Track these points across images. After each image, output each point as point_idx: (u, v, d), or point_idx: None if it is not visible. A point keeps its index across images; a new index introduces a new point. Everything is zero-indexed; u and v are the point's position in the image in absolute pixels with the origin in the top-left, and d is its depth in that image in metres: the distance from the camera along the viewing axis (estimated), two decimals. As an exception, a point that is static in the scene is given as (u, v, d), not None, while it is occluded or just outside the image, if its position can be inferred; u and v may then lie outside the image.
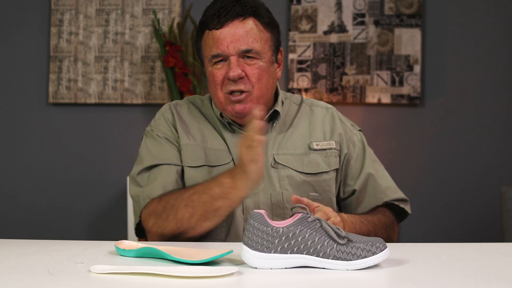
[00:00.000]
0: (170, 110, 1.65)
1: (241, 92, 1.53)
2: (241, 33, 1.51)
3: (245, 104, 1.53)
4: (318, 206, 1.39)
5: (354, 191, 1.64)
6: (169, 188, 1.53)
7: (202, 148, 1.58)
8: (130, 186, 1.60)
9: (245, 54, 1.52)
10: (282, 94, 1.67)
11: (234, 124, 1.59)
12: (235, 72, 1.50)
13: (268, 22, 1.56)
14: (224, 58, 1.52)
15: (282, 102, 1.66)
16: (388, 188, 1.66)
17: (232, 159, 1.57)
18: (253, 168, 1.33)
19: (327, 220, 1.34)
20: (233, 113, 1.55)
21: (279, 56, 1.61)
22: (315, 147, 1.60)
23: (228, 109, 1.55)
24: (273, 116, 1.61)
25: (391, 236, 1.61)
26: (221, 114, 1.60)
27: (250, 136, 1.32)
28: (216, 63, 1.53)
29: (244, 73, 1.51)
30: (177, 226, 1.45)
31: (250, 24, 1.52)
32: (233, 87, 1.52)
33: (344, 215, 1.48)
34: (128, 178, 1.61)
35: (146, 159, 1.60)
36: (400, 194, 1.67)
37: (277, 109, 1.60)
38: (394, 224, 1.65)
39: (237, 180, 1.38)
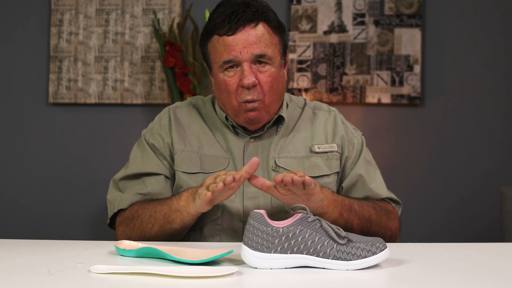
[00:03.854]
0: (168, 115, 1.65)
1: (254, 100, 1.53)
2: (253, 39, 1.50)
3: (259, 112, 1.54)
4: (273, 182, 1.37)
5: (342, 188, 1.63)
6: (147, 198, 1.56)
7: (198, 155, 1.58)
8: (110, 189, 1.64)
9: (258, 59, 1.51)
10: (286, 96, 1.67)
11: (238, 128, 1.59)
12: (249, 80, 1.50)
13: (277, 26, 1.56)
14: (236, 64, 1.52)
15: (287, 105, 1.66)
16: (378, 188, 1.64)
17: (230, 164, 1.57)
18: (203, 193, 1.35)
19: (296, 176, 1.33)
20: (247, 120, 1.55)
21: (286, 58, 1.62)
22: (317, 150, 1.60)
23: (242, 116, 1.55)
24: (277, 120, 1.61)
25: (383, 221, 1.56)
26: (226, 117, 1.59)
27: (230, 175, 1.33)
28: (227, 69, 1.52)
29: (257, 81, 1.51)
30: (141, 235, 1.50)
31: (261, 29, 1.52)
32: (247, 97, 1.51)
33: (329, 192, 1.47)
34: (110, 181, 1.64)
35: (131, 166, 1.63)
36: (390, 195, 1.66)
37: (282, 114, 1.60)
38: (389, 212, 1.61)
39: (189, 196, 1.43)
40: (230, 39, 1.50)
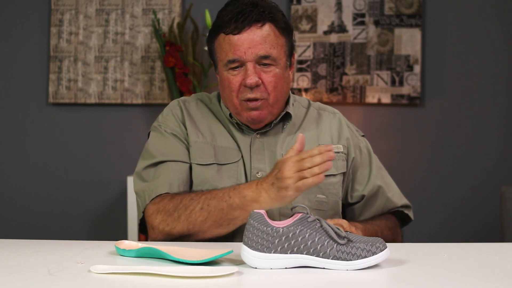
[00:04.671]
0: (179, 106, 1.64)
1: (257, 99, 1.53)
2: (258, 39, 1.50)
3: (261, 111, 1.53)
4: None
5: (362, 197, 1.65)
6: (175, 185, 1.51)
7: (212, 146, 1.57)
8: (135, 182, 1.57)
9: (262, 61, 1.51)
10: (291, 96, 1.68)
11: (243, 125, 1.59)
12: (252, 80, 1.49)
13: (284, 27, 1.55)
14: (241, 64, 1.52)
15: (292, 104, 1.66)
16: (394, 195, 1.69)
17: (242, 158, 1.57)
18: (293, 185, 1.30)
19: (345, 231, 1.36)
20: (249, 119, 1.54)
21: (292, 60, 1.62)
22: None
23: (244, 115, 1.54)
24: (284, 118, 1.62)
25: (395, 238, 1.63)
26: (230, 115, 1.60)
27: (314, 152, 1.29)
28: (232, 68, 1.52)
29: (260, 81, 1.51)
30: (188, 227, 1.44)
31: (267, 30, 1.51)
32: (249, 95, 1.51)
33: (359, 225, 1.51)
34: (133, 175, 1.59)
35: (152, 154, 1.58)
36: (404, 201, 1.70)
37: (289, 111, 1.61)
38: (397, 227, 1.68)
39: (261, 194, 1.36)
40: (235, 38, 1.50)
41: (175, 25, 2.95)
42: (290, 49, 1.59)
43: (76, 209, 3.04)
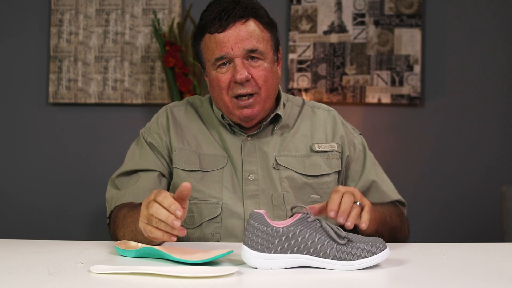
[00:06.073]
0: (166, 114, 1.66)
1: (249, 95, 1.53)
2: (244, 35, 1.51)
3: (253, 108, 1.54)
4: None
5: None
6: (140, 194, 1.53)
7: (196, 154, 1.59)
8: (108, 188, 1.62)
9: (250, 55, 1.52)
10: (283, 96, 1.68)
11: (235, 126, 1.60)
12: (242, 74, 1.50)
13: (268, 22, 1.57)
14: (229, 61, 1.52)
15: (284, 105, 1.66)
16: (390, 190, 1.68)
17: (231, 162, 1.57)
18: (147, 229, 1.21)
19: (355, 201, 1.29)
20: (241, 117, 1.55)
21: (279, 55, 1.62)
22: (317, 149, 1.61)
23: (236, 113, 1.55)
24: (274, 119, 1.62)
25: (403, 226, 1.61)
26: (222, 116, 1.60)
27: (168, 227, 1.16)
28: (220, 66, 1.53)
29: (250, 76, 1.52)
30: (116, 240, 1.47)
31: (251, 25, 1.53)
32: (240, 90, 1.52)
33: (367, 202, 1.47)
34: (109, 180, 1.63)
35: (127, 163, 1.63)
36: (399, 197, 1.69)
37: (279, 112, 1.61)
38: (403, 216, 1.67)
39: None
40: (221, 35, 1.51)
41: (175, 25, 2.95)
42: (276, 44, 1.60)
43: (76, 209, 3.04)
